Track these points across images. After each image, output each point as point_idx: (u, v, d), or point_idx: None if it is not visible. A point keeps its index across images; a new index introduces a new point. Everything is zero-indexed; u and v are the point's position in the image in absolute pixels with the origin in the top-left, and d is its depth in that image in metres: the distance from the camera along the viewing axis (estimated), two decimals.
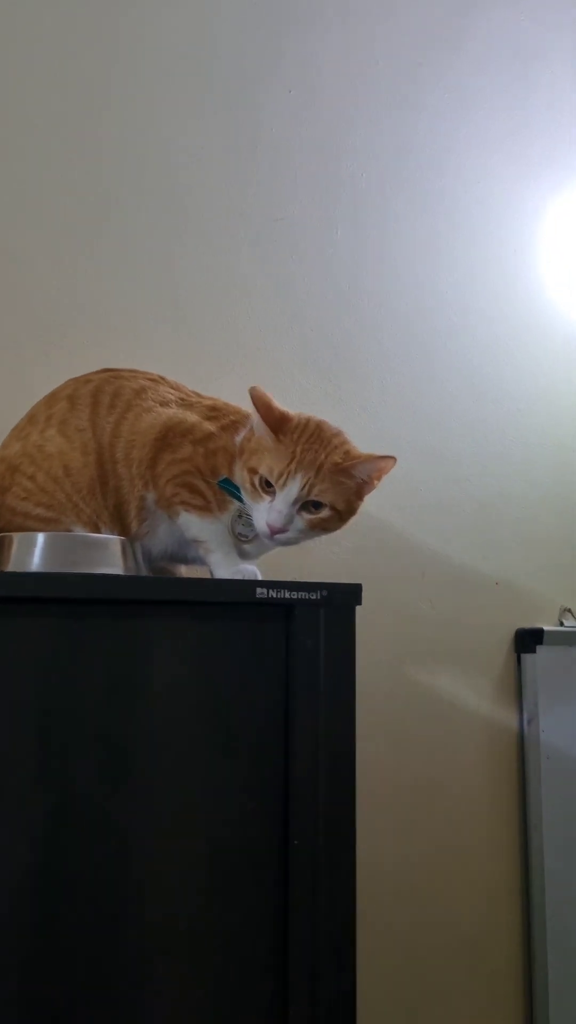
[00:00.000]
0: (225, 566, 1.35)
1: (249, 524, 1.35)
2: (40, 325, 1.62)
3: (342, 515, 1.32)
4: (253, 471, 1.29)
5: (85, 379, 1.42)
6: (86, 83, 1.68)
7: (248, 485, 1.29)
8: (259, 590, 1.09)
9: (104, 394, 1.39)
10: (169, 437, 1.35)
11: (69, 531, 1.34)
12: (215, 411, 1.41)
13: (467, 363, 1.97)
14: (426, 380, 1.93)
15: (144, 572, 1.29)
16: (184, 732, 1.08)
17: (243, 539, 1.37)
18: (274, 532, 1.28)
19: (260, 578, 1.36)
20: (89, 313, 1.66)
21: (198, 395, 1.45)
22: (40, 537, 1.21)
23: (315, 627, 1.11)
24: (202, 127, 1.76)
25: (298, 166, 1.84)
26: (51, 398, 1.42)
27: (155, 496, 1.35)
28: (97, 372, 1.43)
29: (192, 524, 1.35)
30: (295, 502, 1.27)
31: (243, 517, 1.35)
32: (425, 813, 1.82)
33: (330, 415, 1.37)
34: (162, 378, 1.45)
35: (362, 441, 1.34)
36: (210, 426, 1.38)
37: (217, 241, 1.76)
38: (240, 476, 1.31)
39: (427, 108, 1.96)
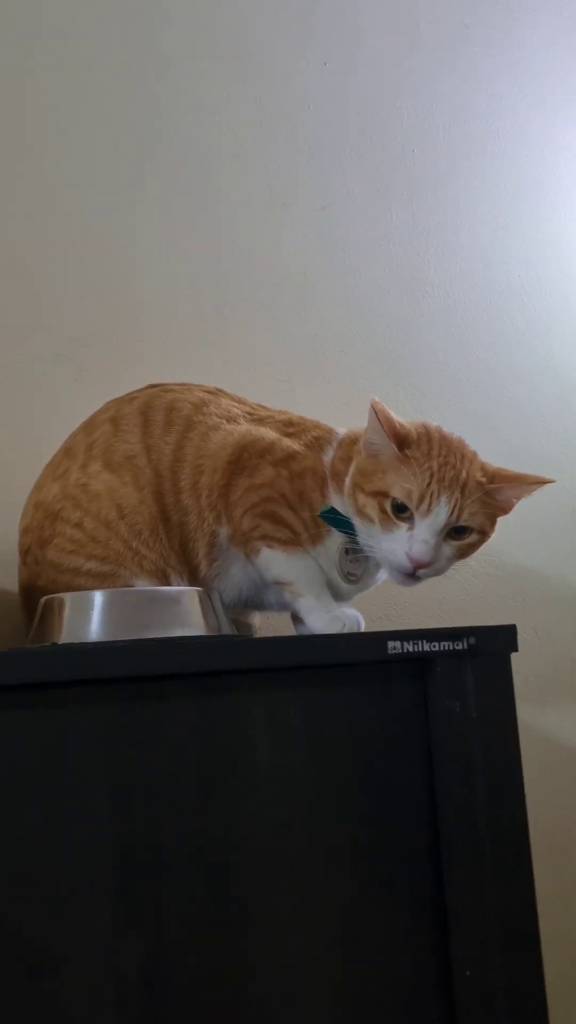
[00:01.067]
0: (320, 612, 1.11)
1: (358, 561, 1.12)
2: (62, 337, 1.39)
3: (487, 537, 1.11)
4: (380, 495, 1.06)
5: (129, 397, 1.19)
6: (109, 67, 1.46)
7: (374, 512, 1.06)
8: (391, 644, 0.84)
9: (156, 410, 1.15)
10: (245, 458, 1.12)
11: (131, 586, 1.10)
12: (293, 426, 1.18)
13: (549, 352, 1.72)
14: (504, 374, 1.68)
15: (228, 627, 1.04)
16: (301, 839, 0.83)
17: (351, 579, 1.14)
18: (419, 567, 1.05)
19: (363, 625, 1.11)
20: (120, 322, 1.43)
21: (266, 408, 1.21)
22: (97, 597, 0.97)
23: (462, 684, 0.86)
24: (231, 110, 1.53)
25: (342, 146, 1.61)
26: (89, 424, 1.18)
27: (229, 531, 1.11)
28: (142, 388, 1.19)
29: (276, 563, 1.11)
30: (443, 529, 1.05)
31: (351, 552, 1.12)
32: None
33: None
34: (220, 390, 1.21)
35: None
36: (292, 444, 1.14)
37: (257, 235, 1.53)
38: (350, 501, 1.09)
39: (480, 72, 1.74)
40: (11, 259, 1.38)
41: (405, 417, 1.12)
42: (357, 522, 1.09)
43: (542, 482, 1.10)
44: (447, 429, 1.13)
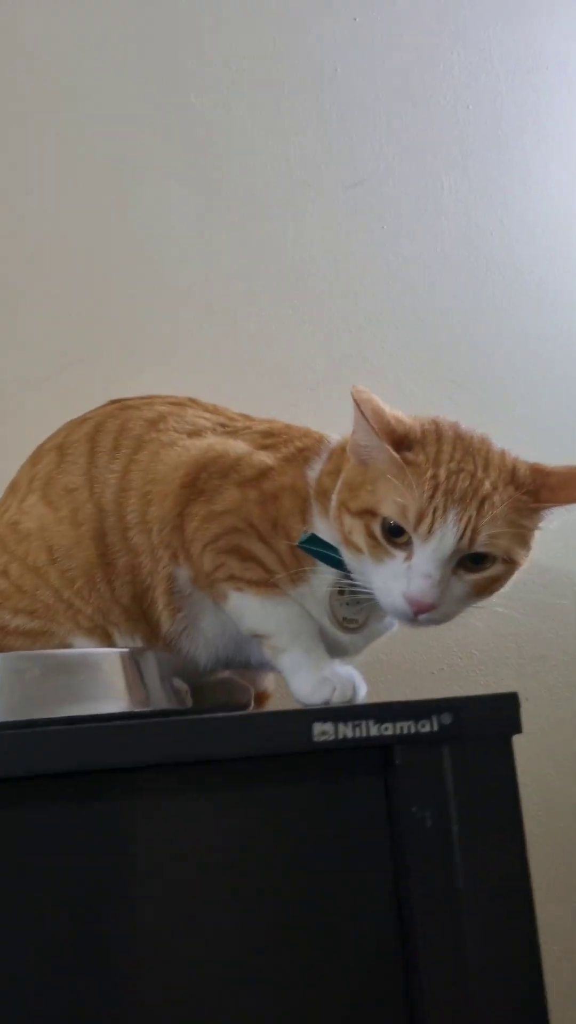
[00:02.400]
0: (305, 672, 0.85)
1: (357, 603, 0.86)
2: (38, 346, 1.22)
3: (517, 567, 0.83)
4: (367, 514, 0.80)
5: (82, 419, 0.99)
6: (91, 37, 1.28)
7: (361, 538, 0.81)
8: (318, 728, 0.58)
9: (105, 433, 0.94)
10: (203, 479, 0.88)
11: (67, 647, 0.88)
12: (274, 436, 0.93)
13: None
14: None
15: (166, 696, 0.80)
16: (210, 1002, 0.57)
17: (350, 626, 0.87)
18: (420, 610, 0.78)
19: (361, 690, 0.85)
20: (113, 335, 1.24)
21: (247, 418, 0.98)
22: None
23: (433, 784, 0.58)
24: (240, 79, 1.32)
25: (377, 113, 1.37)
26: (36, 453, 0.99)
27: (190, 572, 0.88)
28: (102, 406, 0.99)
29: (248, 610, 0.87)
30: (451, 557, 0.78)
31: (346, 593, 0.86)
32: None
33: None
34: (193, 400, 0.99)
35: None
36: (265, 457, 0.90)
37: (274, 223, 1.30)
38: (337, 525, 0.84)
39: (541, 10, 1.45)
40: None
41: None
42: (345, 552, 0.84)
43: None
44: (513, 441, 0.86)
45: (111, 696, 0.75)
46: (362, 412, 0.80)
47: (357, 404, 0.81)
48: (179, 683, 0.91)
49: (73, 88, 1.27)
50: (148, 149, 1.28)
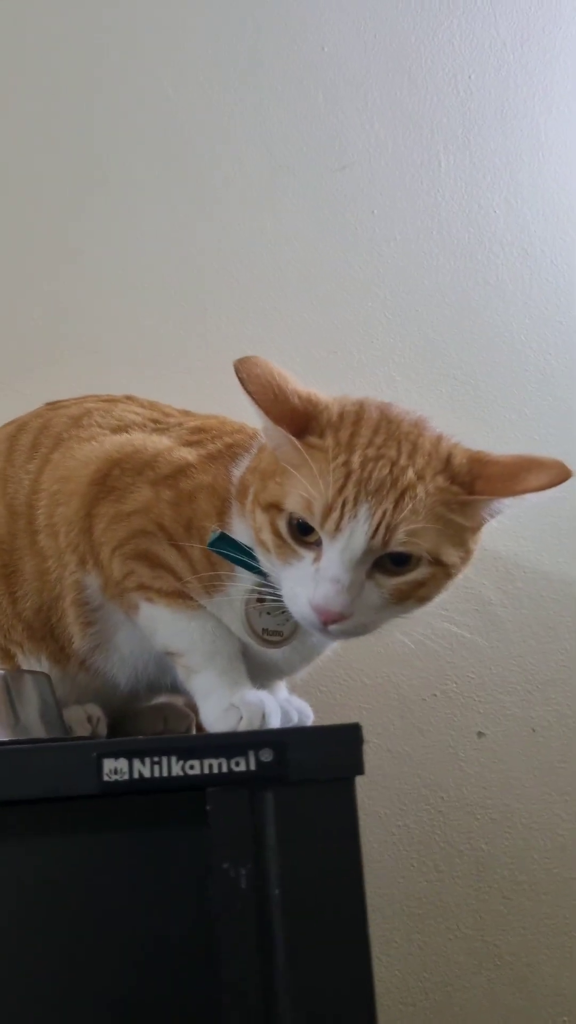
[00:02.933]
0: (216, 697, 0.75)
1: (281, 613, 0.75)
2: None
3: (450, 570, 0.71)
4: (273, 508, 0.71)
5: (14, 421, 0.91)
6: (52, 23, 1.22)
7: (268, 535, 0.71)
8: (108, 764, 0.48)
9: (26, 432, 0.88)
10: (114, 477, 0.80)
11: None
12: (202, 432, 0.84)
13: None
14: None
15: (45, 724, 0.71)
16: None
17: (272, 639, 0.77)
18: (328, 620, 0.67)
19: (303, 718, 0.75)
20: (74, 337, 1.16)
21: (187, 414, 0.89)
22: None
23: (248, 836, 0.47)
24: (216, 57, 1.24)
25: (367, 88, 1.27)
26: None
27: (100, 580, 0.79)
28: (37, 408, 0.92)
29: (160, 623, 0.79)
30: (364, 557, 0.67)
31: (266, 602, 0.75)
32: None
33: (464, 426, 0.76)
34: (129, 397, 0.91)
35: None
36: (186, 454, 0.80)
37: (252, 211, 1.21)
38: (249, 523, 0.74)
39: None
40: None
41: (453, 420, 0.75)
42: (258, 552, 0.73)
43: (546, 464, 0.70)
44: (523, 442, 0.74)
45: None
46: (247, 391, 0.70)
47: (241, 381, 0.70)
48: (92, 709, 0.82)
49: (41, 70, 1.22)
50: (117, 131, 1.21)
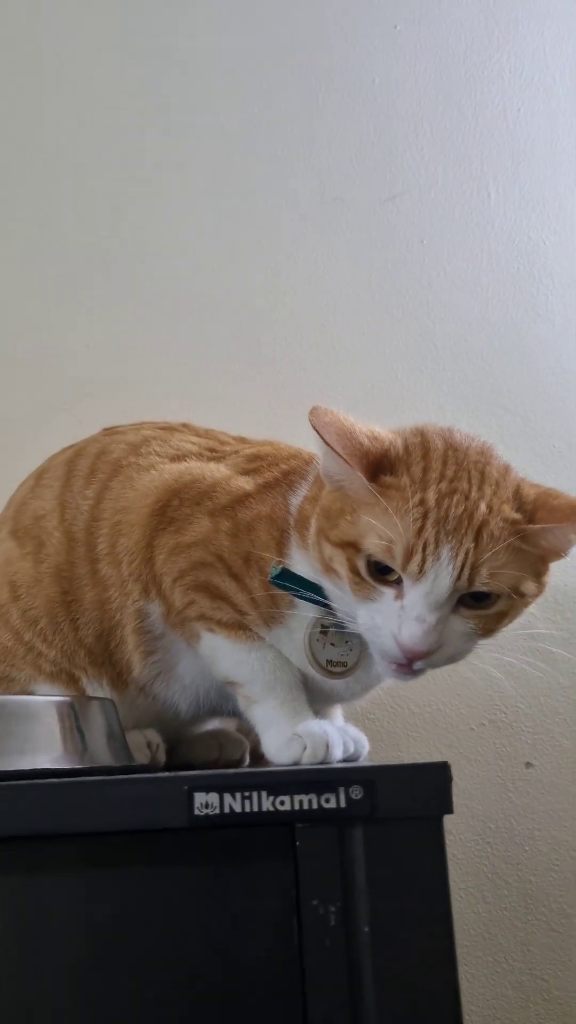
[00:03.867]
0: (277, 728, 0.76)
1: (344, 643, 0.76)
2: (58, 374, 1.17)
3: (528, 599, 0.72)
4: (349, 547, 0.70)
5: (72, 446, 0.92)
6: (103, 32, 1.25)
7: (343, 571, 0.71)
8: (200, 798, 0.48)
9: (84, 457, 0.88)
10: (174, 507, 0.80)
11: (29, 694, 0.82)
12: (258, 460, 0.84)
13: None
14: None
15: (112, 751, 0.72)
16: None
17: (336, 670, 0.77)
18: (415, 657, 0.68)
19: (346, 749, 0.75)
20: (132, 363, 1.18)
21: (242, 441, 0.89)
22: None
23: (337, 872, 0.48)
24: (271, 91, 1.26)
25: (418, 121, 1.28)
26: (19, 486, 0.93)
27: (162, 608, 0.80)
28: (94, 434, 0.93)
29: (220, 652, 0.79)
30: (449, 599, 0.67)
31: (330, 633, 0.75)
32: None
33: (512, 456, 0.77)
34: (185, 425, 0.92)
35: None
36: (244, 483, 0.81)
37: (304, 239, 1.23)
38: (315, 553, 0.74)
39: None
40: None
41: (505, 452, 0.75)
42: (326, 582, 0.73)
43: None
44: (562, 470, 0.75)
45: (39, 749, 0.67)
46: (325, 441, 0.70)
47: (317, 431, 0.70)
48: (151, 735, 0.83)
49: (95, 104, 1.24)
50: (173, 164, 1.24)
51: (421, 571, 0.66)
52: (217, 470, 0.82)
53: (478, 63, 1.30)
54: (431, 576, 0.66)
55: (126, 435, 0.89)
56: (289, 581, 0.74)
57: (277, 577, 0.75)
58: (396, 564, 0.67)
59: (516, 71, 1.31)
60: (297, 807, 0.48)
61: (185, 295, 1.20)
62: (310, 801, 0.48)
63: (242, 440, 0.90)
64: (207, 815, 0.48)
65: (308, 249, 1.23)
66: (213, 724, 0.90)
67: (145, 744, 0.82)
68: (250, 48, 1.27)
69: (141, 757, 0.81)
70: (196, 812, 0.48)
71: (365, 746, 0.79)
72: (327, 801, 0.48)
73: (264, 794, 0.48)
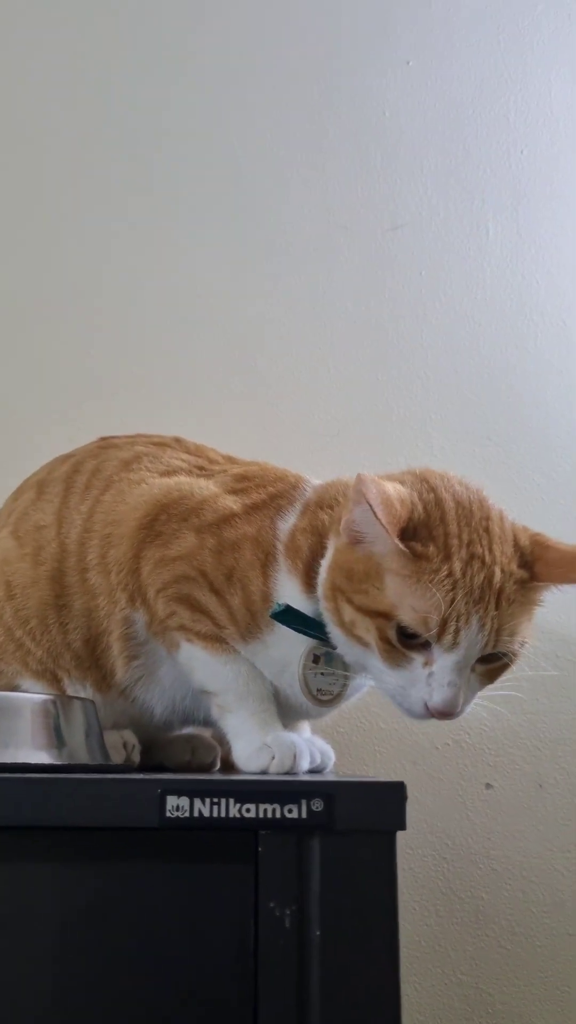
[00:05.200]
0: (248, 737, 0.79)
1: (332, 673, 0.80)
2: (61, 377, 1.21)
3: (525, 645, 0.77)
4: (381, 616, 0.72)
5: (68, 455, 0.96)
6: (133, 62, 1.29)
7: (372, 638, 0.73)
8: (172, 801, 0.52)
9: (81, 473, 0.92)
10: (161, 521, 0.84)
11: (16, 688, 0.85)
12: (247, 480, 0.87)
13: None
14: None
15: (90, 750, 0.75)
16: None
17: (323, 699, 0.81)
18: (444, 719, 0.73)
19: (314, 760, 0.78)
20: (135, 360, 1.23)
21: (231, 460, 0.93)
22: None
23: (294, 879, 0.52)
24: (282, 115, 1.30)
25: (424, 155, 1.32)
26: (21, 487, 0.97)
27: (146, 617, 0.83)
28: (90, 443, 0.96)
29: (197, 663, 0.83)
30: (474, 663, 0.73)
31: (320, 660, 0.80)
32: None
33: (493, 488, 0.80)
34: (178, 440, 0.95)
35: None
36: (231, 502, 0.84)
37: (306, 263, 1.27)
38: (328, 606, 0.76)
39: None
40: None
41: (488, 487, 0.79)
42: (339, 635, 0.76)
43: None
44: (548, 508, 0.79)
45: (19, 743, 0.71)
46: (371, 507, 0.70)
47: (365, 496, 0.70)
48: (128, 736, 0.87)
49: (105, 129, 1.28)
50: (181, 181, 1.27)
51: (455, 642, 0.70)
52: (206, 487, 0.86)
53: (485, 103, 1.35)
54: (464, 645, 0.70)
55: (120, 450, 0.92)
56: (292, 618, 0.78)
57: (280, 615, 0.77)
58: (431, 635, 0.70)
59: (521, 113, 1.35)
60: (261, 815, 0.52)
61: (189, 307, 1.24)
62: (274, 810, 0.52)
63: (231, 459, 0.93)
64: (177, 817, 0.52)
65: (309, 274, 1.27)
66: (188, 729, 0.94)
67: (121, 744, 0.86)
68: (263, 76, 1.31)
69: (116, 756, 0.84)
70: (168, 814, 0.51)
71: (331, 758, 0.83)
72: (289, 811, 0.52)
73: (232, 801, 0.52)
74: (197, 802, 0.52)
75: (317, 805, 0.52)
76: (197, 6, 1.32)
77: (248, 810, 0.52)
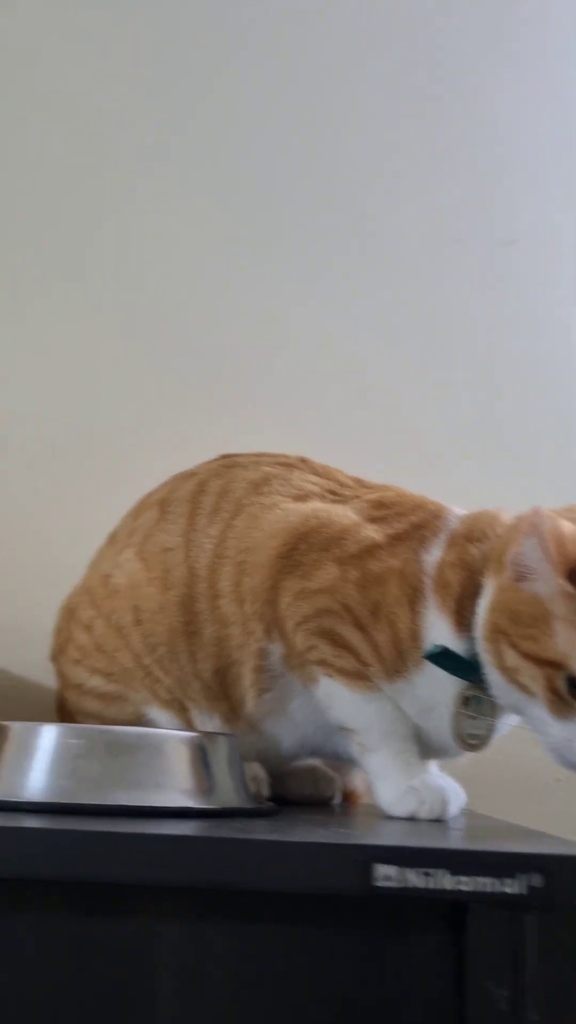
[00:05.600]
0: (393, 779, 0.77)
1: (484, 721, 0.77)
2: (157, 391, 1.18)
3: None
4: (552, 665, 0.69)
5: (189, 473, 0.94)
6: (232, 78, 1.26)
7: (538, 687, 0.70)
8: (380, 870, 0.49)
9: (207, 494, 0.89)
10: (301, 551, 0.81)
11: (141, 716, 0.83)
12: (385, 507, 0.84)
13: None
14: None
15: (237, 791, 0.73)
16: None
17: (472, 743, 0.78)
18: None
19: (456, 805, 0.75)
20: (231, 377, 1.20)
21: (361, 483, 0.90)
22: (45, 734, 0.69)
23: (511, 957, 0.49)
24: (393, 123, 1.27)
25: (542, 164, 1.29)
26: (140, 505, 0.95)
27: (283, 649, 0.80)
28: (210, 461, 0.93)
29: (338, 699, 0.80)
30: None
31: (471, 704, 0.76)
32: None
33: None
34: (304, 460, 0.92)
35: None
36: (373, 532, 0.81)
37: (420, 278, 1.24)
38: (488, 647, 0.73)
39: None
40: None
41: None
42: (499, 680, 0.73)
43: None
44: None
45: (169, 785, 0.68)
46: (541, 542, 0.68)
47: (538, 530, 0.68)
48: (257, 770, 0.84)
49: (216, 143, 1.25)
50: (289, 195, 1.25)
51: None
52: (345, 515, 0.83)
53: None
54: None
55: (247, 471, 0.89)
56: (448, 661, 0.75)
57: (436, 657, 0.75)
58: None
59: None
60: (477, 888, 0.49)
61: (298, 325, 1.21)
62: (491, 884, 0.48)
63: (360, 482, 0.90)
64: (386, 887, 0.49)
65: (422, 289, 1.23)
66: (310, 761, 0.91)
67: (252, 778, 0.83)
68: (372, 81, 1.27)
69: None
70: (375, 883, 0.49)
71: (463, 798, 0.80)
72: (507, 886, 0.48)
73: (445, 872, 0.49)
74: (409, 872, 0.49)
75: (536, 881, 0.48)
76: (300, 6, 1.28)
77: (462, 883, 0.48)
